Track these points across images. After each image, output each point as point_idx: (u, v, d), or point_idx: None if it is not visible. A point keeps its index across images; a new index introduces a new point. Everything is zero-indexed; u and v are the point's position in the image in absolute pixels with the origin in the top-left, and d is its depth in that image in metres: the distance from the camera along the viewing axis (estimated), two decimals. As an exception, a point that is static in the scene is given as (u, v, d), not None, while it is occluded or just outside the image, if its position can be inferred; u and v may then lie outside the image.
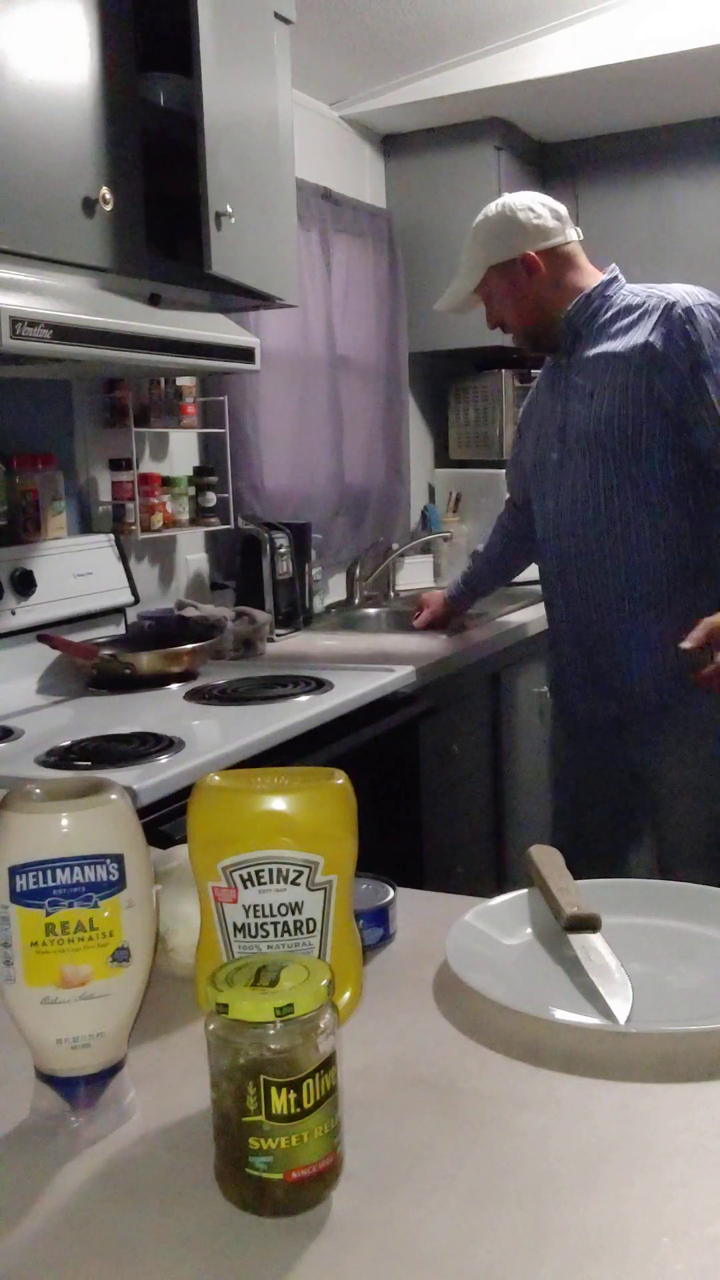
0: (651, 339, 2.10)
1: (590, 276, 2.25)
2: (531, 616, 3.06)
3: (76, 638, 2.39)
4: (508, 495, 2.65)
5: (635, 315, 2.15)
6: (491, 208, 2.27)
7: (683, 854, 2.27)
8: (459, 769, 2.72)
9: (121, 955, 0.77)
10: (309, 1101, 0.66)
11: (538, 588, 3.58)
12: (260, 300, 2.38)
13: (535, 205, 2.25)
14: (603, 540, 2.20)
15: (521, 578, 3.76)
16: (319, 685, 2.24)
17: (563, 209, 2.29)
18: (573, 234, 2.26)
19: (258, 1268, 0.63)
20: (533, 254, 2.21)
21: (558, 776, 2.54)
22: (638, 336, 2.13)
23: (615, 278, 2.25)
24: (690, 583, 2.16)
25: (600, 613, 2.22)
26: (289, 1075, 0.66)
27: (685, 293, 2.13)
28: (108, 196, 1.93)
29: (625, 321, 2.17)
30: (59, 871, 0.75)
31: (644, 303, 2.16)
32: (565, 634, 2.31)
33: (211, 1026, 0.67)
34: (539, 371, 2.43)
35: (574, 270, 2.25)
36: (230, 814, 0.85)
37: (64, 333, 1.79)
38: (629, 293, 2.21)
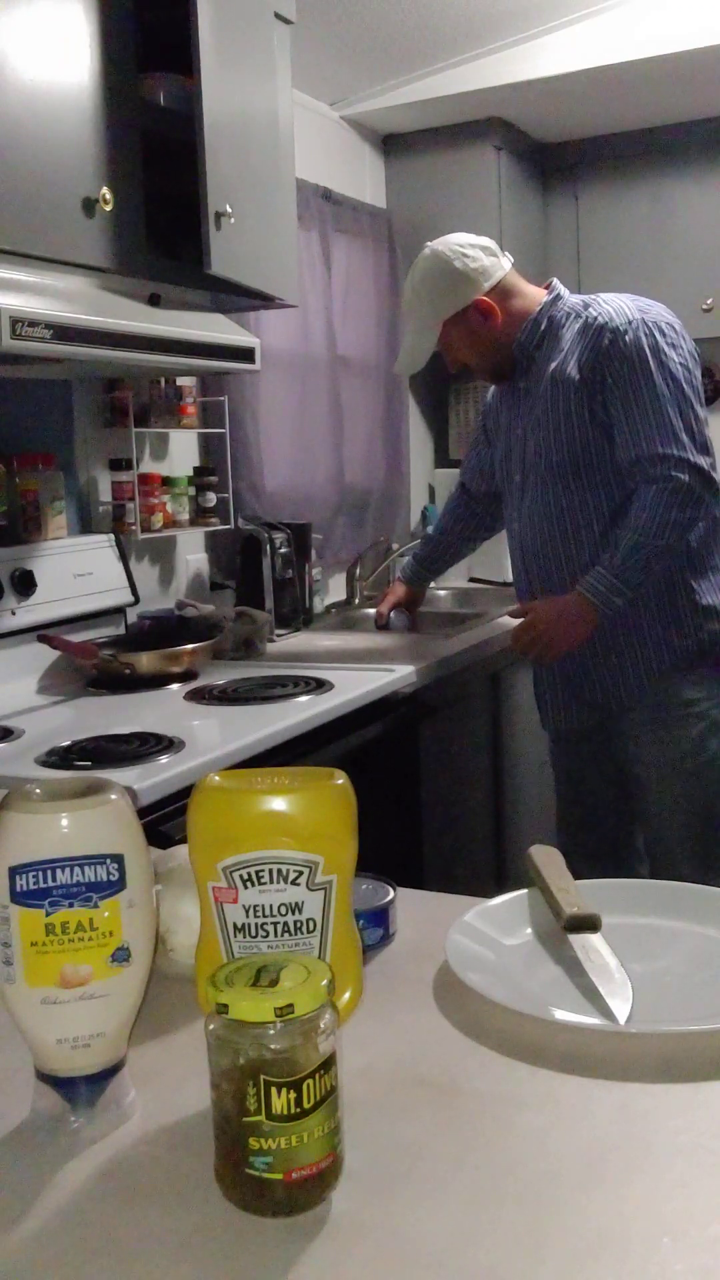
0: (583, 362, 2.15)
1: (532, 299, 2.27)
2: (531, 616, 3.06)
3: (76, 638, 2.39)
4: (460, 479, 2.72)
5: (573, 336, 2.19)
6: (426, 263, 2.25)
7: (669, 838, 2.30)
8: (459, 769, 2.72)
9: (121, 955, 0.77)
10: (309, 1101, 0.66)
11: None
12: (260, 300, 2.38)
13: (467, 249, 2.25)
14: (561, 562, 2.26)
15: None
16: (319, 685, 2.24)
17: (489, 241, 2.30)
18: (506, 263, 2.28)
19: (258, 1268, 0.63)
20: (483, 298, 2.22)
21: (556, 776, 2.56)
22: (572, 360, 2.17)
23: (558, 295, 2.27)
24: (650, 596, 2.20)
25: None
26: (289, 1075, 0.66)
27: (614, 311, 2.15)
28: (108, 196, 1.93)
29: (565, 344, 2.21)
30: (59, 871, 0.75)
31: (585, 320, 2.19)
32: None
33: (211, 1026, 0.67)
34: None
35: (517, 297, 2.26)
36: (230, 814, 0.85)
37: (64, 333, 1.79)
38: (569, 310, 2.24)
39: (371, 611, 3.41)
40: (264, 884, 0.84)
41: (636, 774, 2.33)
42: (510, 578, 3.46)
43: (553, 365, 2.20)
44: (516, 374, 2.29)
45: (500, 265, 2.25)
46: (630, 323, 2.13)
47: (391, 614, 2.90)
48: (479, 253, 2.25)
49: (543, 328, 2.23)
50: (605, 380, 2.13)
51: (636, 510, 2.11)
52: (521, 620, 2.27)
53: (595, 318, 2.16)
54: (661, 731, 2.26)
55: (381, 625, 2.91)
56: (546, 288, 2.29)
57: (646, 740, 2.28)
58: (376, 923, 1.02)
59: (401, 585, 2.89)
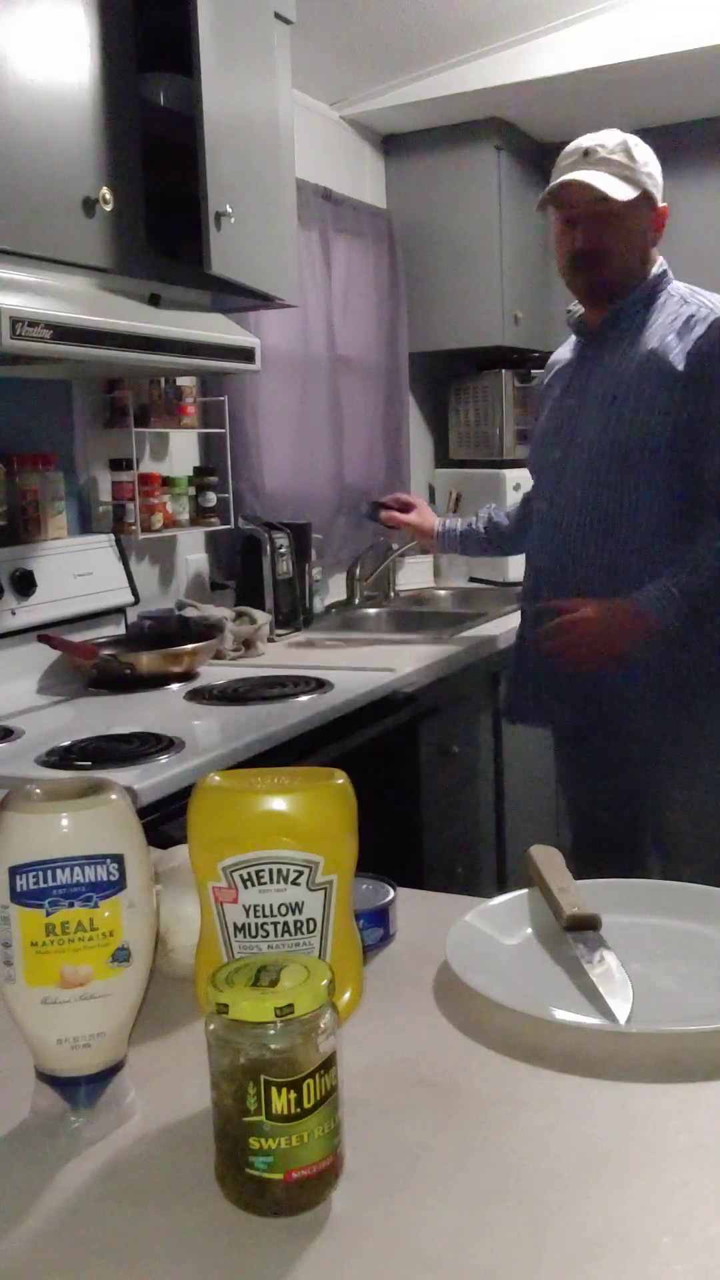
0: (691, 353, 1.98)
1: (654, 261, 2.13)
2: (531, 616, 3.06)
3: (76, 638, 2.39)
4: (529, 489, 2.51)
5: (680, 322, 2.03)
6: (640, 142, 2.08)
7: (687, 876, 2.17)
8: (459, 769, 2.72)
9: (121, 955, 0.77)
10: (309, 1101, 0.66)
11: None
12: (260, 300, 2.38)
13: None
14: (587, 560, 2.10)
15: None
16: (319, 685, 2.24)
17: None
18: None
19: (258, 1268, 0.63)
20: (665, 209, 2.09)
21: (562, 777, 2.48)
22: (677, 347, 2.00)
23: (665, 271, 2.13)
24: None
25: None
26: (289, 1075, 0.66)
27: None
28: (108, 196, 1.92)
29: (668, 326, 2.04)
30: (59, 871, 0.75)
31: (694, 311, 2.04)
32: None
33: (211, 1026, 0.67)
34: (541, 371, 2.34)
35: (657, 253, 2.13)
36: (230, 814, 0.85)
37: (64, 333, 1.79)
38: (675, 292, 2.09)
39: (371, 611, 3.41)
40: (264, 884, 0.84)
41: (653, 804, 2.20)
42: (511, 577, 3.45)
43: (649, 344, 2.02)
44: (599, 334, 2.09)
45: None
46: None
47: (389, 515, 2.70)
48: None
49: (647, 295, 2.08)
50: (711, 381, 1.97)
51: None
52: (566, 616, 2.04)
53: (712, 311, 2.02)
54: (683, 760, 2.12)
55: (373, 516, 2.75)
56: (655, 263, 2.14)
57: (665, 768, 2.14)
58: (376, 923, 1.02)
59: (429, 528, 2.68)
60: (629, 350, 2.05)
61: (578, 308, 2.21)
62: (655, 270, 2.10)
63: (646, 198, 2.04)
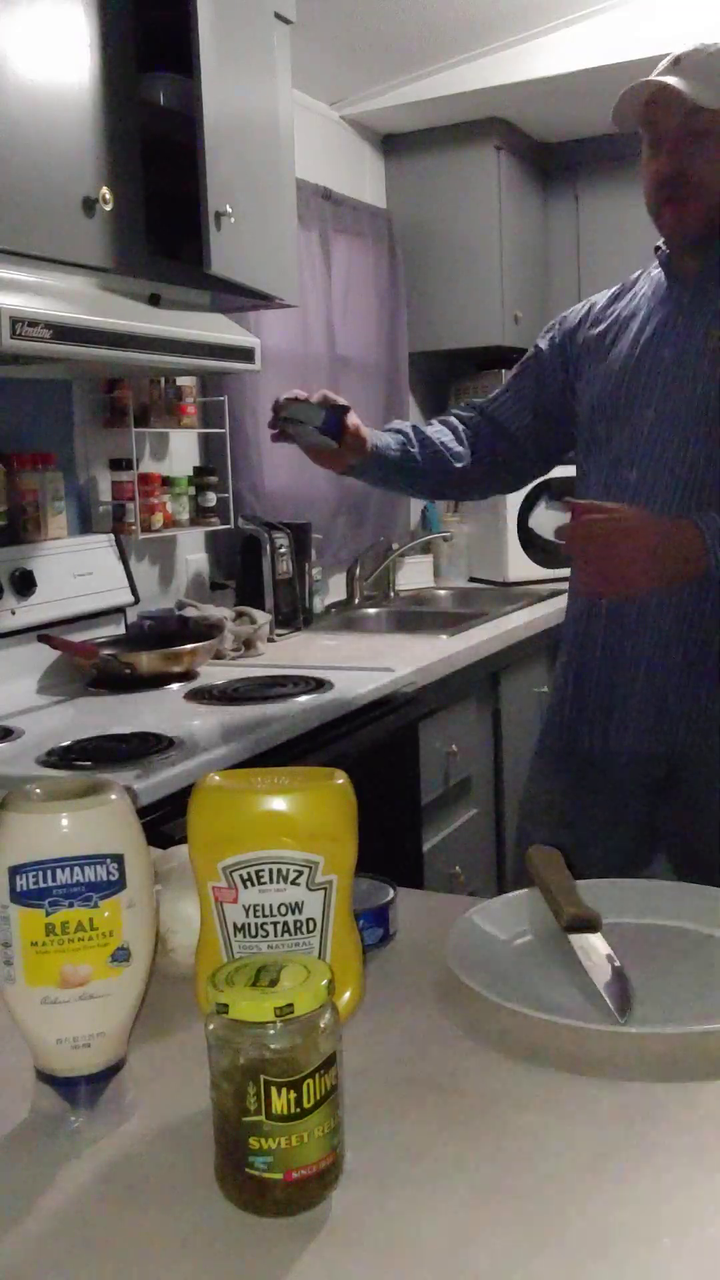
0: None
1: None
2: (531, 617, 3.06)
3: (76, 638, 2.39)
4: (485, 409, 2.00)
5: None
6: None
7: None
8: (459, 769, 2.72)
9: (121, 955, 0.77)
10: (309, 1101, 0.66)
11: (538, 587, 3.57)
12: (260, 300, 2.38)
13: None
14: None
15: (529, 575, 3.73)
16: (319, 685, 2.24)
17: None
18: None
19: (258, 1268, 0.63)
20: None
21: (540, 813, 1.89)
22: None
23: None
24: None
25: (676, 624, 1.70)
26: (289, 1075, 0.66)
27: None
28: (108, 196, 1.92)
29: None
30: (59, 871, 0.75)
31: None
32: (605, 645, 1.77)
33: (211, 1026, 0.67)
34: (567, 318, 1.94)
35: None
36: (230, 814, 0.85)
37: (64, 333, 1.79)
38: None
39: (371, 611, 3.41)
40: (264, 884, 0.84)
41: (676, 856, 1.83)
42: (512, 577, 3.42)
43: None
44: (700, 282, 1.72)
45: None
46: None
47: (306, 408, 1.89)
48: None
49: None
50: None
51: None
52: (608, 513, 1.56)
53: None
54: None
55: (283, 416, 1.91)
56: None
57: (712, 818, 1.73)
58: (376, 923, 1.02)
59: (360, 439, 1.91)
60: None
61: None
62: None
63: None
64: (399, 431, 1.96)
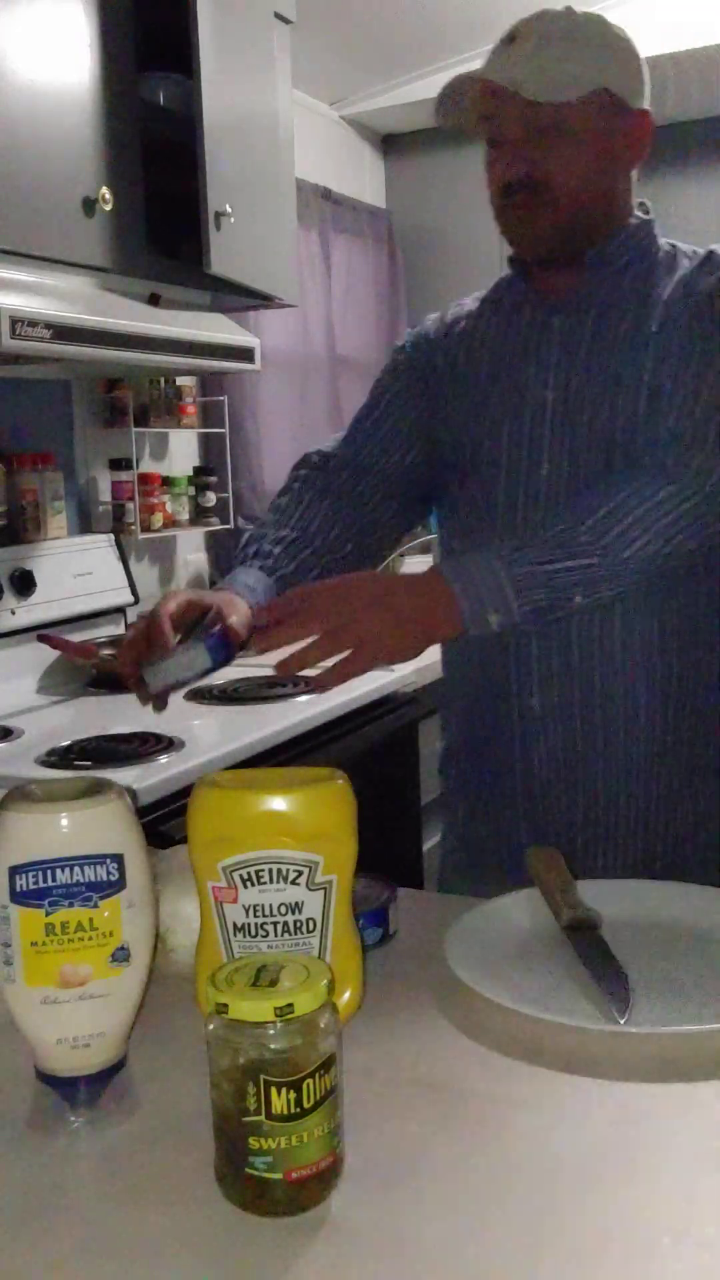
0: (696, 286, 1.32)
1: (631, 200, 1.40)
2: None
3: (76, 638, 2.39)
4: (331, 451, 1.51)
5: (670, 278, 1.36)
6: (604, 21, 1.38)
7: None
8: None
9: (121, 955, 0.77)
10: (309, 1101, 0.66)
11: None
12: (260, 300, 2.38)
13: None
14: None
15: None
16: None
17: None
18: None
19: (258, 1268, 0.63)
20: (650, 117, 1.34)
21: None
22: (696, 299, 1.32)
23: (651, 220, 1.41)
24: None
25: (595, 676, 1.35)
26: (289, 1075, 0.66)
27: None
28: (108, 196, 1.93)
29: (657, 286, 1.35)
30: (59, 871, 0.75)
31: (688, 262, 1.37)
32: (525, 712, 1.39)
33: (211, 1026, 0.67)
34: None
35: (633, 182, 1.39)
36: (230, 814, 0.85)
37: (64, 333, 1.79)
38: (663, 247, 1.40)
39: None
40: (264, 884, 0.84)
41: None
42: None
43: (659, 292, 1.34)
44: (574, 299, 1.36)
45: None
46: None
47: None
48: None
49: (635, 244, 1.36)
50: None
51: (631, 492, 1.20)
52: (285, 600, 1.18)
53: (699, 250, 1.38)
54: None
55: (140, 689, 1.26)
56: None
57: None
58: (376, 923, 1.02)
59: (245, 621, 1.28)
60: (616, 310, 1.35)
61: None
62: (642, 216, 1.39)
63: (610, 98, 1.30)
64: (251, 589, 1.35)
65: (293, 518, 1.46)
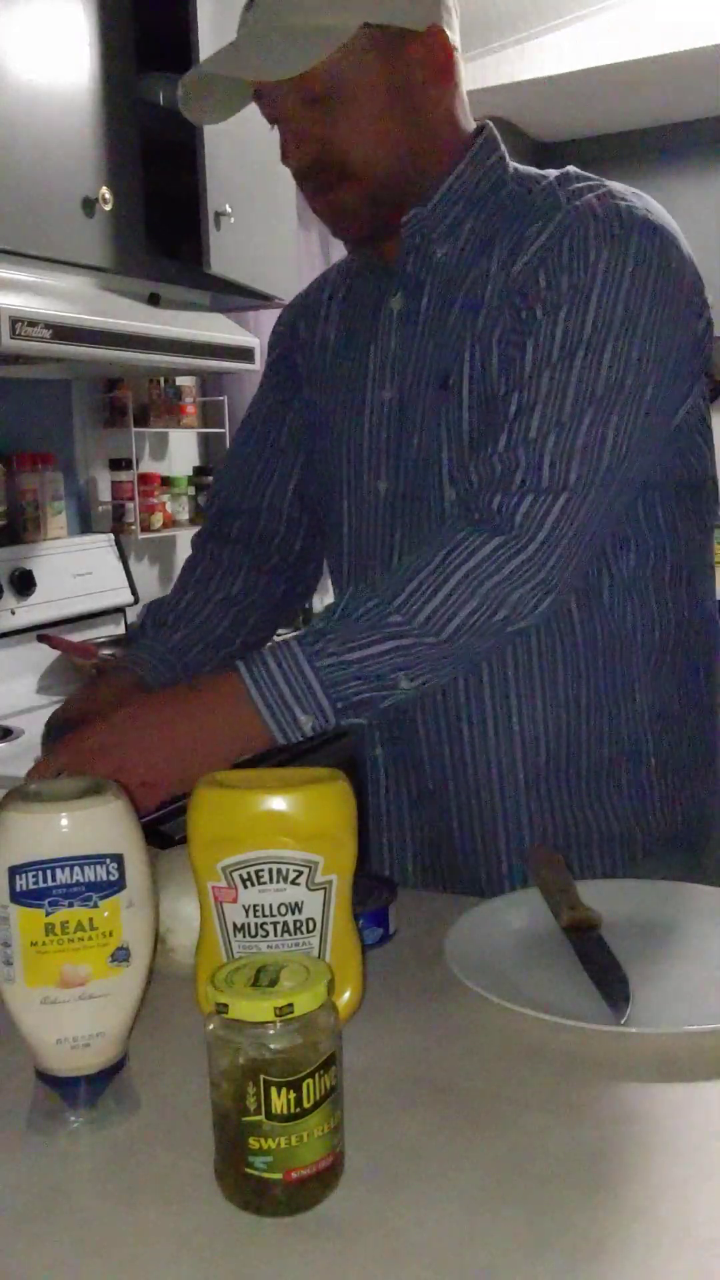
0: (536, 275, 1.07)
1: (470, 126, 1.19)
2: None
3: (76, 638, 2.39)
4: (217, 509, 1.39)
5: (520, 222, 1.12)
6: None
7: None
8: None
9: (121, 955, 0.77)
10: (309, 1101, 0.66)
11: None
12: (260, 300, 2.38)
13: None
14: None
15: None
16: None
17: None
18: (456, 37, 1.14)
19: (258, 1268, 0.63)
20: (444, 35, 1.11)
21: None
22: (511, 260, 1.10)
23: (498, 141, 1.20)
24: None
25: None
26: (289, 1075, 0.66)
27: (596, 198, 1.08)
28: (107, 196, 1.93)
29: (505, 230, 1.13)
30: (59, 871, 0.75)
31: (536, 201, 1.13)
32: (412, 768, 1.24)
33: (211, 1026, 0.67)
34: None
35: (461, 104, 1.17)
36: (230, 814, 0.85)
37: (64, 333, 1.79)
38: (514, 178, 1.17)
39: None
40: (264, 884, 0.84)
41: None
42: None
43: (491, 262, 1.12)
44: (403, 271, 1.17)
45: (455, 28, 1.14)
46: (618, 214, 1.07)
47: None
48: None
49: (465, 196, 1.15)
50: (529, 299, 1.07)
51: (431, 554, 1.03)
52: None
53: (558, 199, 1.10)
54: None
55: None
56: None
57: None
58: (376, 923, 1.02)
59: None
60: (459, 267, 1.14)
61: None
62: (480, 138, 1.18)
63: (380, 32, 1.07)
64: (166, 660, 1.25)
65: (179, 608, 1.30)
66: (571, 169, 1.17)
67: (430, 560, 1.02)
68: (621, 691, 1.18)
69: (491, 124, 1.21)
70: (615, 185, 1.12)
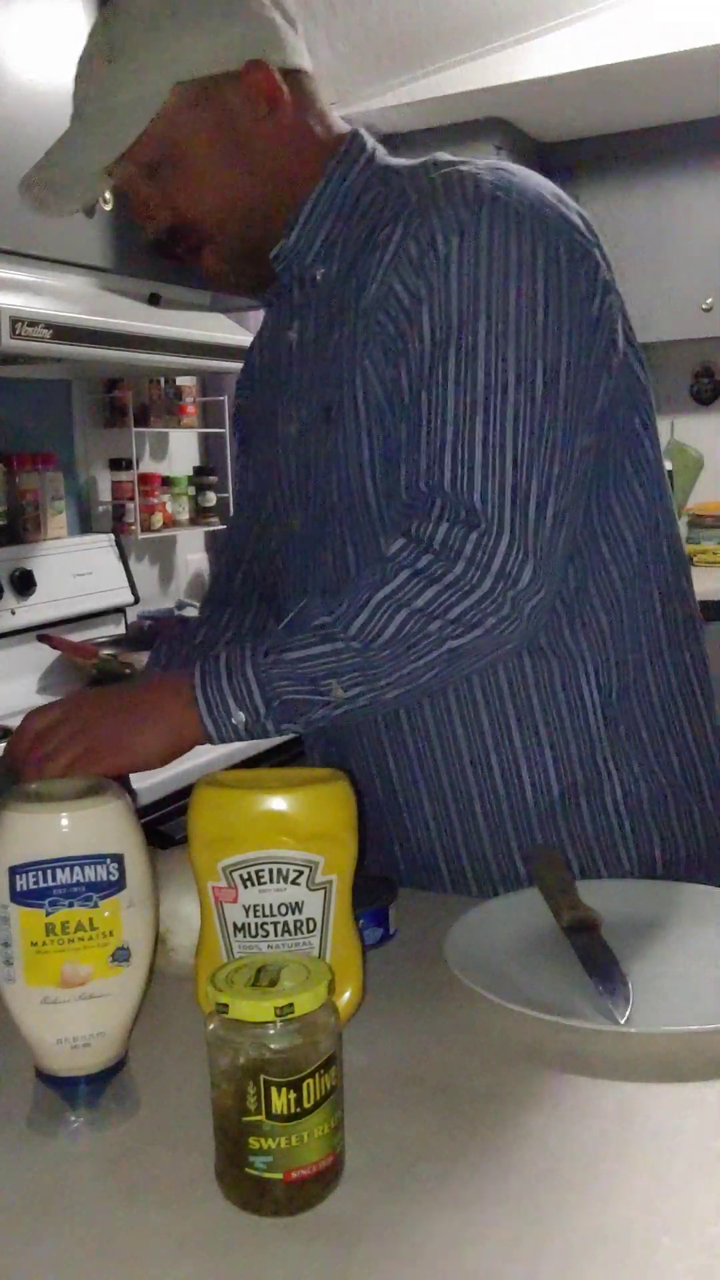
0: (391, 285, 1.03)
1: (336, 133, 1.14)
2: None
3: (76, 638, 2.39)
4: (224, 563, 1.41)
5: (380, 233, 1.06)
6: (132, 15, 1.09)
7: None
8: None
9: (121, 955, 0.77)
10: (309, 1101, 0.66)
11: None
12: (260, 300, 2.38)
13: None
14: None
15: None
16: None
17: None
18: (305, 56, 1.13)
19: (258, 1268, 0.63)
20: (266, 67, 1.07)
21: None
22: (375, 284, 1.04)
23: (364, 144, 1.15)
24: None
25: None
26: (289, 1075, 0.66)
27: (443, 185, 1.04)
28: (108, 196, 1.92)
29: (370, 244, 1.07)
30: (59, 871, 0.75)
31: (391, 199, 1.09)
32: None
33: (211, 1026, 0.67)
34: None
35: (318, 120, 1.13)
36: (230, 814, 0.85)
37: (64, 333, 1.79)
38: (381, 178, 1.13)
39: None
40: (264, 884, 0.84)
41: None
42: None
43: (372, 283, 1.05)
44: (288, 308, 1.17)
45: (301, 51, 1.11)
46: (474, 210, 1.00)
47: None
48: (270, 4, 1.08)
49: (345, 192, 1.11)
50: (401, 332, 1.02)
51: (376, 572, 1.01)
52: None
53: (407, 199, 1.06)
54: None
55: None
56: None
57: None
58: (376, 923, 1.02)
59: None
60: (345, 292, 1.09)
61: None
62: (344, 145, 1.13)
63: (193, 86, 1.05)
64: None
65: (194, 641, 1.31)
66: (439, 155, 1.11)
67: (372, 573, 1.00)
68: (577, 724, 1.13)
69: (362, 130, 1.15)
70: (470, 166, 1.04)
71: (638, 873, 1.16)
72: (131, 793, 0.93)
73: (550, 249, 1.00)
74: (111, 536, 2.60)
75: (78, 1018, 0.76)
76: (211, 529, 2.88)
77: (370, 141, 1.14)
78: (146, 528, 2.66)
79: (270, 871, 0.84)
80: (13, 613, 2.27)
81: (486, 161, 1.06)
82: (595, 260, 1.04)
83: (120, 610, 2.58)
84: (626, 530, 1.12)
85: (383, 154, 1.14)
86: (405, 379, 1.01)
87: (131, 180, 1.11)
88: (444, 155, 1.10)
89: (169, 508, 2.77)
